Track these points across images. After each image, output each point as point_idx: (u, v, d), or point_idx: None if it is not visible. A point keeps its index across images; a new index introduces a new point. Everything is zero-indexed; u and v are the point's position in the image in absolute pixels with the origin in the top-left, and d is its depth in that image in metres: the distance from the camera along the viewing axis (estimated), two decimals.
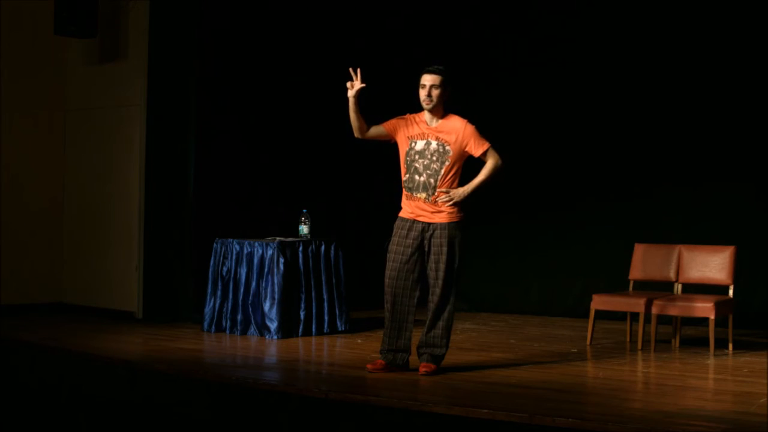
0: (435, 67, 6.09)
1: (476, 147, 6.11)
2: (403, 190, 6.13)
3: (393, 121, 6.19)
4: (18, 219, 9.33)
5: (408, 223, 6.08)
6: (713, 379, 6.20)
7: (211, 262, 8.14)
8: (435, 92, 6.03)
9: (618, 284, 7.97)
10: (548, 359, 6.74)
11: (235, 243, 8.06)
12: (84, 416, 6.17)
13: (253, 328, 7.89)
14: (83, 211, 9.60)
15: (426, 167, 6.03)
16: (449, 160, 6.04)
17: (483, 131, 10.59)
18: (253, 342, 7.63)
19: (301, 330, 7.87)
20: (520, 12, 9.78)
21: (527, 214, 9.72)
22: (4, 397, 6.63)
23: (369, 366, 6.17)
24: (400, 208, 6.19)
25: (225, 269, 8.08)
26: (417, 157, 6.06)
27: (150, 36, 9.05)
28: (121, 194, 9.29)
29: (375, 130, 6.18)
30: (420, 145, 6.07)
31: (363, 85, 6.06)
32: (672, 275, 7.58)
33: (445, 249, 5.98)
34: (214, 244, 8.16)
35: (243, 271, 7.97)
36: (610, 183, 9.22)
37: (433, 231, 6.02)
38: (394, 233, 6.13)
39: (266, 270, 7.84)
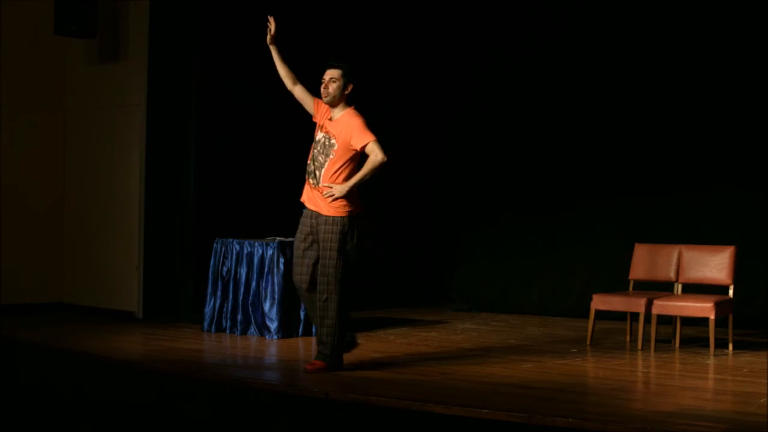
0: (335, 62, 6.20)
1: (357, 140, 6.03)
2: None
3: (317, 102, 6.27)
4: (18, 219, 9.33)
5: (307, 212, 6.19)
6: (713, 379, 6.19)
7: (211, 262, 8.14)
8: (332, 86, 6.11)
9: (618, 284, 7.97)
10: (548, 359, 6.74)
11: (235, 243, 8.06)
12: (84, 416, 6.17)
13: (253, 328, 7.89)
14: (83, 211, 9.60)
15: (314, 158, 6.14)
16: (333, 153, 6.06)
17: (484, 131, 10.63)
18: (253, 342, 7.63)
19: (301, 330, 7.87)
20: (522, 12, 9.79)
21: (527, 214, 9.72)
22: (4, 397, 6.63)
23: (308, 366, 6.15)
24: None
25: (225, 269, 8.08)
26: (313, 146, 6.20)
27: (150, 36, 9.06)
28: (121, 194, 9.29)
29: (303, 94, 6.32)
30: (318, 135, 6.20)
31: (273, 30, 6.24)
32: (672, 275, 7.58)
33: (330, 244, 6.03)
34: (214, 244, 8.16)
35: (243, 271, 7.97)
36: (611, 183, 9.22)
37: (321, 225, 6.08)
38: (299, 225, 6.24)
39: (266, 270, 7.84)
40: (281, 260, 7.78)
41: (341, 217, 6.05)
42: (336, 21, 9.91)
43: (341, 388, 5.56)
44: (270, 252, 7.84)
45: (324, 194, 6.04)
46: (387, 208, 9.97)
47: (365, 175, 6.02)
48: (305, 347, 7.43)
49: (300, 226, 6.21)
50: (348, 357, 6.86)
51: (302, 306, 7.87)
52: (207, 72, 8.94)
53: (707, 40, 8.72)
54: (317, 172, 6.10)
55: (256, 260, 7.90)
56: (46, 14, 9.14)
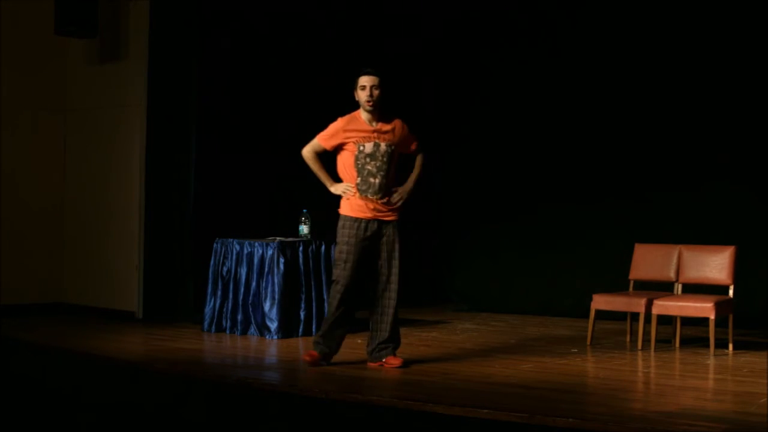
0: (372, 69, 6.28)
1: (413, 144, 6.46)
2: (355, 192, 6.25)
3: (332, 139, 6.29)
4: (18, 219, 9.33)
5: (363, 223, 6.24)
6: (713, 379, 6.20)
7: (211, 262, 8.14)
8: (376, 92, 6.21)
9: (618, 284, 7.97)
10: (548, 359, 6.74)
11: (235, 243, 8.06)
12: (84, 416, 6.17)
13: (253, 328, 7.89)
14: (83, 211, 9.60)
15: (379, 169, 6.22)
16: (395, 158, 6.32)
17: (484, 131, 10.66)
18: (253, 342, 7.63)
19: (301, 330, 7.87)
20: (522, 12, 9.78)
21: (527, 214, 9.72)
22: (4, 397, 6.63)
23: (307, 358, 6.33)
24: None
25: (225, 269, 8.08)
26: (368, 159, 6.22)
27: (150, 36, 9.06)
28: (121, 194, 9.29)
29: (329, 147, 6.35)
30: (369, 147, 6.22)
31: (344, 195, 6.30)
32: (672, 275, 7.58)
33: (397, 246, 6.28)
34: (214, 244, 8.16)
35: (243, 271, 7.97)
36: (611, 183, 9.22)
37: (388, 230, 6.28)
38: (347, 234, 6.24)
39: (266, 270, 7.84)
40: (281, 260, 7.78)
41: (398, 220, 6.36)
42: (341, 19, 9.91)
43: (341, 388, 5.57)
44: (270, 252, 7.83)
45: (394, 199, 6.29)
46: None
47: (420, 173, 6.48)
48: (305, 347, 7.42)
49: (352, 238, 6.23)
50: (349, 357, 6.86)
51: (302, 306, 7.88)
52: (207, 72, 8.94)
53: (707, 41, 8.72)
54: (385, 181, 6.23)
55: (256, 260, 7.90)
56: (46, 14, 9.14)
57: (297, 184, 9.60)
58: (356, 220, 6.25)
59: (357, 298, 6.38)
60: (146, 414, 5.98)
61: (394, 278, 6.32)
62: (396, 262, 6.30)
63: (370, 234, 6.25)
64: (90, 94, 9.60)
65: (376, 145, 6.23)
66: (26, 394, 6.66)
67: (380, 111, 6.29)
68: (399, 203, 6.32)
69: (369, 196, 6.23)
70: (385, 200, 6.25)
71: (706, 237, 8.01)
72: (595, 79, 9.33)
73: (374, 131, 6.24)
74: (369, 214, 6.25)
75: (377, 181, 6.22)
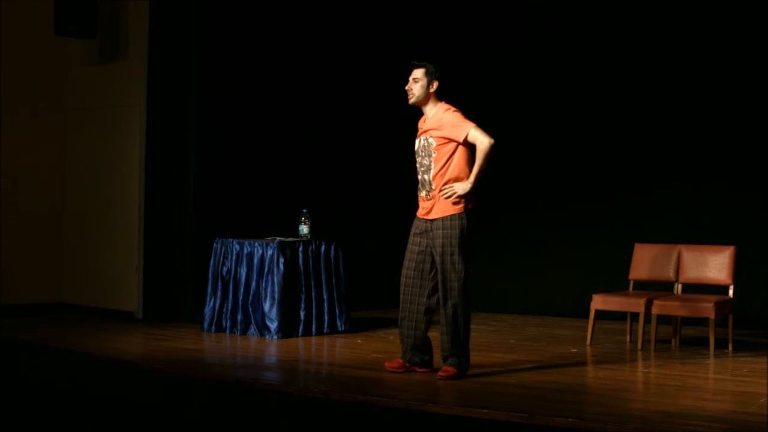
0: (418, 61, 6.00)
1: (456, 132, 5.80)
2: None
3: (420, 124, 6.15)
4: (18, 219, 9.34)
5: (417, 222, 6.01)
6: (713, 379, 6.20)
7: (211, 262, 8.14)
8: (414, 85, 5.95)
9: (618, 284, 7.97)
10: (548, 359, 6.74)
11: (235, 243, 8.06)
12: (84, 416, 6.17)
13: (253, 328, 7.89)
14: (83, 211, 9.60)
15: (421, 164, 5.95)
16: (435, 151, 5.85)
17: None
18: (253, 342, 7.63)
19: (301, 330, 7.87)
20: (523, 11, 9.78)
21: (527, 214, 9.72)
22: (4, 397, 6.63)
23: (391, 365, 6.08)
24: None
25: (225, 269, 8.08)
26: (416, 157, 6.03)
27: (150, 36, 9.06)
28: (121, 194, 9.29)
29: None
30: (416, 144, 6.04)
31: None
32: (672, 275, 7.58)
33: (450, 248, 5.81)
34: (214, 244, 8.16)
35: (243, 271, 7.97)
36: (611, 183, 9.22)
37: (437, 228, 5.85)
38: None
39: (266, 270, 7.84)
40: (281, 260, 7.78)
41: (458, 213, 5.84)
42: (340, 17, 9.90)
43: (341, 388, 5.57)
44: (270, 252, 7.83)
45: (444, 194, 5.79)
46: (386, 208, 9.98)
47: (481, 166, 5.77)
48: (305, 347, 7.43)
49: (411, 245, 5.97)
50: (348, 357, 6.86)
51: (302, 306, 7.88)
52: (207, 72, 8.94)
53: (707, 40, 8.72)
54: (426, 177, 5.88)
55: (256, 260, 7.90)
56: (46, 14, 9.15)
57: (297, 184, 9.63)
58: (415, 218, 6.01)
59: (419, 299, 5.96)
60: (146, 414, 5.98)
61: (448, 284, 5.82)
62: (449, 266, 5.80)
63: (420, 233, 5.93)
64: (90, 94, 9.60)
65: (419, 141, 5.96)
66: (26, 394, 6.67)
67: (434, 103, 5.97)
68: (443, 196, 5.78)
69: (419, 194, 5.96)
70: (430, 197, 5.87)
71: (706, 237, 8.01)
72: (595, 79, 9.33)
73: (424, 126, 5.99)
74: (420, 212, 5.98)
75: (422, 177, 5.92)
